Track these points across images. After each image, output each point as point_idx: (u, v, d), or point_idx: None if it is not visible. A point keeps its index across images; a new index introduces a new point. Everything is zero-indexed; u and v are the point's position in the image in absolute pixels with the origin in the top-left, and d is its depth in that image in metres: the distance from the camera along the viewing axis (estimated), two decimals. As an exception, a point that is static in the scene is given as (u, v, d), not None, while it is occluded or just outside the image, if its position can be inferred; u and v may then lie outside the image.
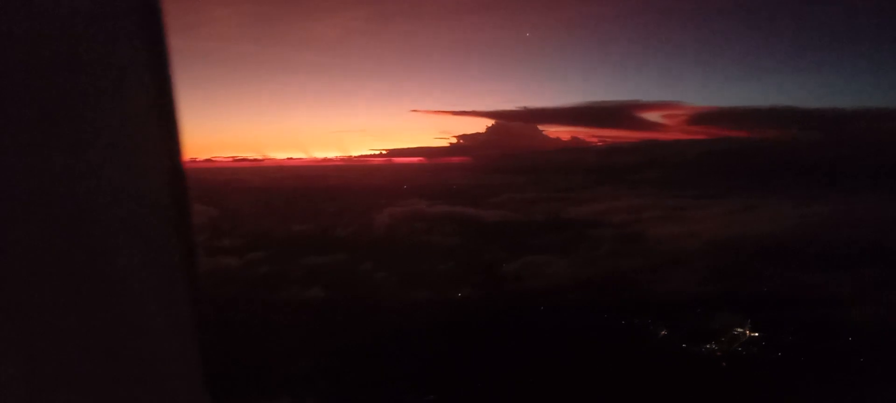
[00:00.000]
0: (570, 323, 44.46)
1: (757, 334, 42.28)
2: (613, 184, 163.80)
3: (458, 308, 49.50)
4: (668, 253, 68.34)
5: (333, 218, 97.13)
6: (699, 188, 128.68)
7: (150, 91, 1.73)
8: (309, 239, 77.92)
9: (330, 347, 39.04)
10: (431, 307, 49.25)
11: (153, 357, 1.80)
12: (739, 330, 42.95)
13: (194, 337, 1.87)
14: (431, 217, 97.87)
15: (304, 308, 49.84)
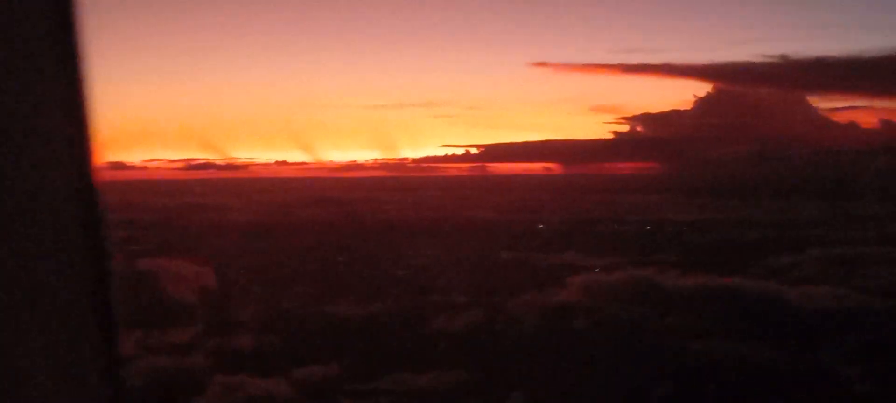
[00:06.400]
0: None
1: None
2: None
3: None
4: None
5: (417, 298, 54.88)
6: None
7: (60, 91, 1.75)
8: (398, 345, 44.83)
9: None
10: None
11: (59, 366, 1.81)
12: None
13: (101, 348, 1.85)
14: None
15: None
